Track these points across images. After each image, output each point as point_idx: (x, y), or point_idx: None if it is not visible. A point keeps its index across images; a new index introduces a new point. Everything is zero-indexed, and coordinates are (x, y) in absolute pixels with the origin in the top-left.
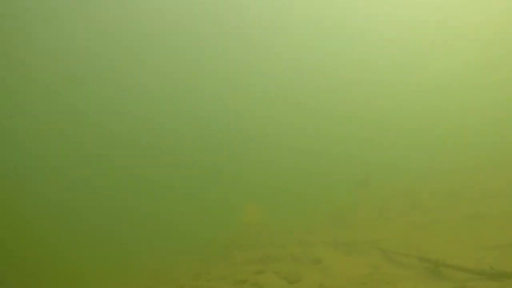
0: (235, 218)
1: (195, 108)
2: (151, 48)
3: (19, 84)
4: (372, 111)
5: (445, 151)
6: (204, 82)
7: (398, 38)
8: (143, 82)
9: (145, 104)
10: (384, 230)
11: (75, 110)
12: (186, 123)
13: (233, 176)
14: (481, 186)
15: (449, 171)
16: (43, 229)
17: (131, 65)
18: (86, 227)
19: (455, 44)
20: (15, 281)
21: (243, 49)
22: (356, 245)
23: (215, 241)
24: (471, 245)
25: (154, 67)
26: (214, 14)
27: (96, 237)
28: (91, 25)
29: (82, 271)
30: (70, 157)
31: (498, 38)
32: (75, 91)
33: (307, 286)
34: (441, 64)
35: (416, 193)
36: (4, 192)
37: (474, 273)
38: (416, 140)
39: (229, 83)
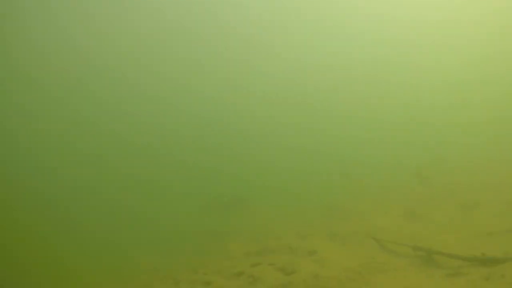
0: (235, 215)
1: (194, 107)
2: (151, 48)
3: (18, 84)
4: (372, 111)
5: (442, 146)
6: (204, 81)
7: (398, 38)
8: (143, 82)
9: (145, 104)
10: (378, 220)
11: (74, 110)
12: (186, 123)
13: (233, 176)
14: (473, 177)
15: (442, 162)
16: (42, 228)
17: (131, 65)
18: (85, 226)
19: (455, 44)
20: (14, 280)
21: (243, 49)
22: (351, 235)
23: (213, 237)
24: (464, 233)
25: (153, 67)
26: (214, 14)
27: (94, 236)
28: (90, 25)
29: (79, 267)
30: (69, 156)
31: (498, 38)
32: (75, 90)
33: (303, 277)
34: (441, 64)
35: (410, 184)
36: (3, 192)
37: (466, 260)
38: (416, 138)
39: (229, 83)
